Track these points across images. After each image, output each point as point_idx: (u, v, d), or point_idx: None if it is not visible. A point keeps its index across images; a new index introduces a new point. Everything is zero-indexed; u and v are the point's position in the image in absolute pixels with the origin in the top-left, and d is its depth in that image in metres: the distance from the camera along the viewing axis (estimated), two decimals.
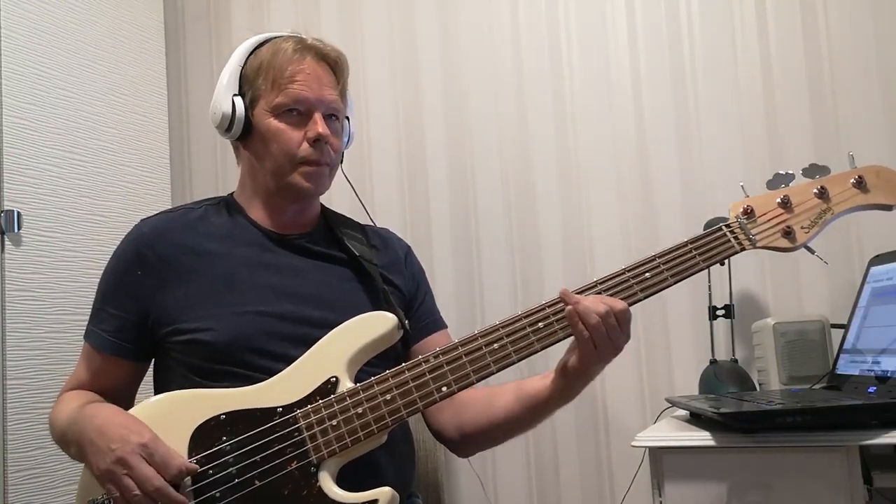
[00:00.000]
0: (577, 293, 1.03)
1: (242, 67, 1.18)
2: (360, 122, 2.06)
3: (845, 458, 1.04)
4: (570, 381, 1.07)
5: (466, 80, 2.03)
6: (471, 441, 1.21)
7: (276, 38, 1.20)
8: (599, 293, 1.03)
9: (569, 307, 1.01)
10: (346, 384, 1.03)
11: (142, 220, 1.20)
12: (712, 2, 1.85)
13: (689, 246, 1.06)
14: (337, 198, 1.52)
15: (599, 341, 1.00)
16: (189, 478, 0.97)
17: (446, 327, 1.30)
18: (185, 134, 2.29)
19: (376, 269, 1.20)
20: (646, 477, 1.28)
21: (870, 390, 1.24)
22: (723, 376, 1.61)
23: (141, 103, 2.11)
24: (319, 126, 1.14)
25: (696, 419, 1.29)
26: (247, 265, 1.15)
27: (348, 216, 1.31)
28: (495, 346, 1.03)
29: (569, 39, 1.96)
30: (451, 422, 1.20)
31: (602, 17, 1.93)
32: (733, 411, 1.14)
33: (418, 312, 1.26)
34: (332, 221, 1.26)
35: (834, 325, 1.55)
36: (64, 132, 1.85)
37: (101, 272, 1.19)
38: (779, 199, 1.07)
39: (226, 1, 2.27)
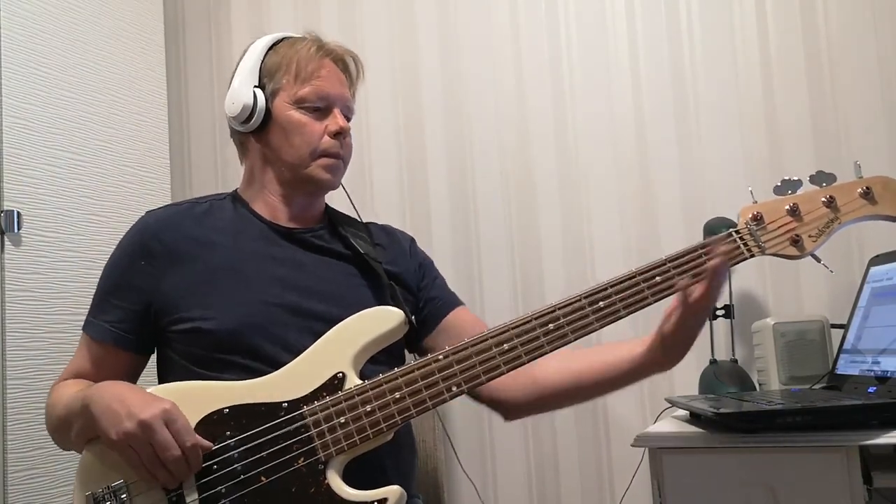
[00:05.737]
0: (592, 293, 1.03)
1: (262, 62, 1.20)
2: (359, 125, 2.06)
3: (845, 459, 1.04)
4: (674, 348, 1.06)
5: (466, 81, 2.03)
6: (533, 405, 1.19)
7: (291, 37, 1.24)
8: (610, 295, 1.02)
9: (710, 264, 1.00)
10: (353, 380, 1.02)
11: (147, 212, 1.20)
12: (712, 2, 1.85)
13: (700, 251, 1.04)
14: (332, 199, 1.52)
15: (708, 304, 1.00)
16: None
17: (463, 304, 1.29)
18: (185, 133, 2.29)
19: (381, 267, 1.21)
20: (646, 477, 1.28)
21: (870, 390, 1.24)
22: (723, 376, 1.61)
23: (141, 103, 2.11)
24: (340, 120, 1.19)
25: (696, 419, 1.29)
26: (253, 257, 1.15)
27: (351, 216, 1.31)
28: (505, 346, 1.02)
29: (568, 39, 1.96)
30: (513, 383, 1.14)
31: (602, 17, 1.93)
32: (733, 411, 1.13)
33: (430, 294, 1.26)
34: (336, 220, 1.27)
35: (834, 325, 1.55)
36: (64, 132, 1.85)
37: (104, 265, 1.18)
38: (787, 207, 1.05)
39: (226, 1, 2.27)
